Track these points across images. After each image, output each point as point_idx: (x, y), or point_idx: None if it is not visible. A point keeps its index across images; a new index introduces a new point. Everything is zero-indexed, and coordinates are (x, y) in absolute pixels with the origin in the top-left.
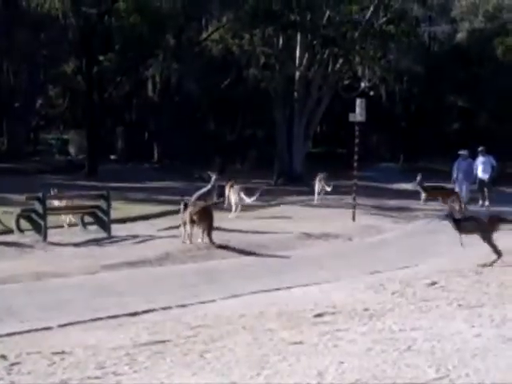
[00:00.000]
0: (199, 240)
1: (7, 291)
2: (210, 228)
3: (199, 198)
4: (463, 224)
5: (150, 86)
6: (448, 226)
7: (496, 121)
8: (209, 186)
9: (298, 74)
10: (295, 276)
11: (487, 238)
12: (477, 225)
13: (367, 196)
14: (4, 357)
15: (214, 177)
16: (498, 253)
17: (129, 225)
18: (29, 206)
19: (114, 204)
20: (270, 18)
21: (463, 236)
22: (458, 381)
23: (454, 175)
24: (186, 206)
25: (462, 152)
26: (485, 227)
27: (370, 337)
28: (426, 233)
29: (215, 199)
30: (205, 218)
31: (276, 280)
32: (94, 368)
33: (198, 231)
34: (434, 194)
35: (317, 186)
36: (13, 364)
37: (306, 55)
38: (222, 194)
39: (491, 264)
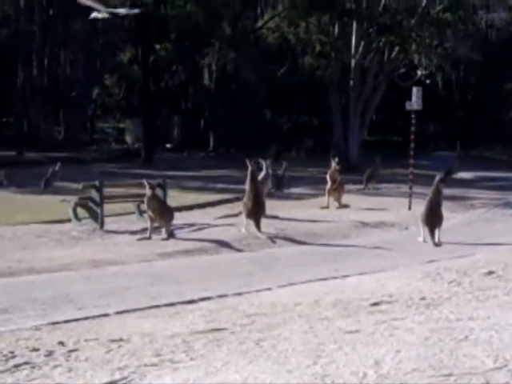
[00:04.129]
0: (243, 229)
1: (65, 279)
2: (258, 217)
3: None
4: None
5: (205, 75)
6: (505, 215)
7: None
8: (262, 174)
9: (353, 62)
10: (351, 264)
11: None
12: None
13: (423, 185)
14: (62, 343)
15: (265, 164)
16: None
17: (185, 213)
18: (86, 194)
19: (170, 192)
20: (325, 5)
21: None
22: None
23: None
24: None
25: None
26: None
27: (426, 326)
28: (482, 222)
29: (270, 187)
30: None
31: (332, 268)
32: (150, 355)
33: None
34: None
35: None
36: (71, 351)
37: (362, 43)
38: (279, 182)
39: None
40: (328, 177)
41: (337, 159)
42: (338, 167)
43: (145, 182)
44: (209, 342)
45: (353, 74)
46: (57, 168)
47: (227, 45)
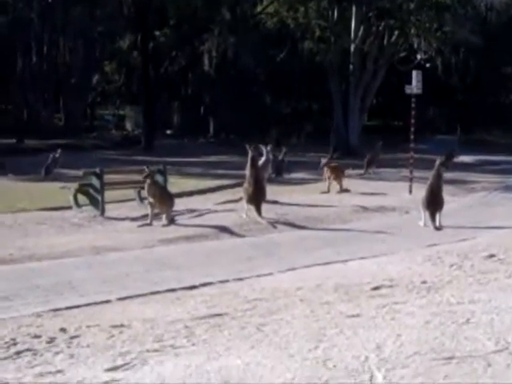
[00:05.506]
0: (243, 215)
1: (66, 265)
2: (259, 202)
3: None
4: None
5: (205, 61)
6: (506, 198)
7: None
8: (262, 159)
9: (353, 46)
10: (352, 249)
11: None
12: None
13: (424, 169)
14: (64, 330)
15: (265, 150)
16: None
17: (185, 199)
18: (86, 181)
19: (171, 178)
20: None
21: None
22: None
23: None
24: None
25: None
26: None
27: (428, 309)
28: (483, 205)
29: (270, 172)
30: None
31: (333, 253)
32: (152, 341)
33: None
34: None
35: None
36: (72, 337)
37: (362, 27)
38: (279, 168)
39: None
40: (326, 168)
41: (335, 155)
42: (335, 163)
43: (146, 168)
44: (210, 328)
45: (352, 58)
46: (57, 155)
47: (226, 30)
